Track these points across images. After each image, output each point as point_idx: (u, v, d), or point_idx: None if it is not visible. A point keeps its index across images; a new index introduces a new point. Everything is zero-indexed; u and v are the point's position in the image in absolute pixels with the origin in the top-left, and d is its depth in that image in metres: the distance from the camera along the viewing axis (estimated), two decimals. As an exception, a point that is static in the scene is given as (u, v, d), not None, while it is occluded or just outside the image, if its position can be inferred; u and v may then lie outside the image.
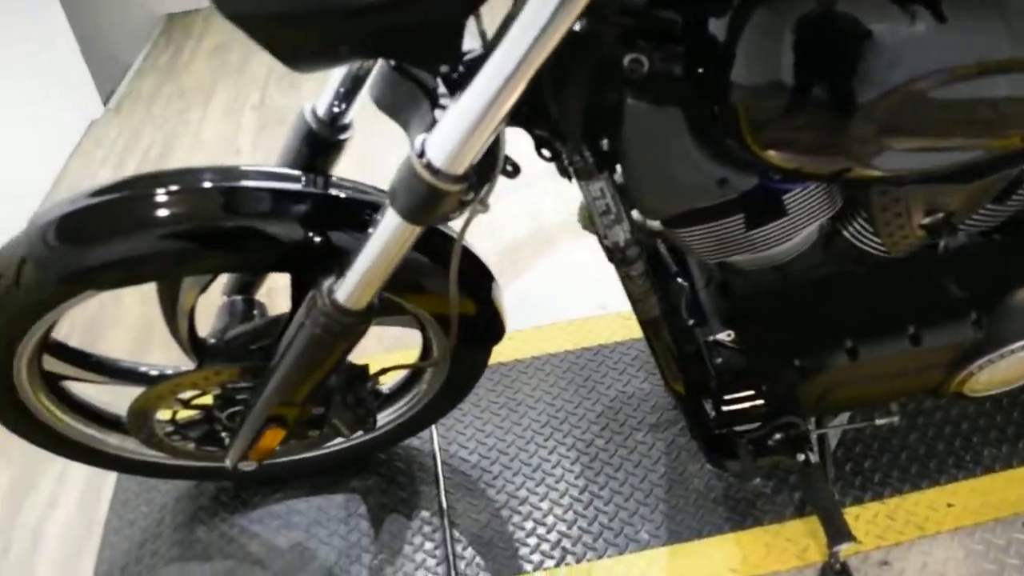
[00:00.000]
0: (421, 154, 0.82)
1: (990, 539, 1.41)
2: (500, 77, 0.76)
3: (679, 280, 1.30)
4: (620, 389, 1.65)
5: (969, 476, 1.50)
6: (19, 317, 1.12)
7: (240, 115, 3.07)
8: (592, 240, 1.10)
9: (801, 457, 1.25)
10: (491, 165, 0.88)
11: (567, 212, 2.15)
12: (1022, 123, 0.90)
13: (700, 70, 0.84)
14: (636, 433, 1.57)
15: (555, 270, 2.02)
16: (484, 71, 0.78)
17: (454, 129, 0.80)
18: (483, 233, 2.19)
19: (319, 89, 1.18)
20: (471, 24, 0.87)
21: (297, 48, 0.82)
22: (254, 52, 0.78)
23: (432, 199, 0.84)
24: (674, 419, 1.58)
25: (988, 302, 1.19)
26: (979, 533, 1.42)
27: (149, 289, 1.16)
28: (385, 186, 0.91)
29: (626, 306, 1.17)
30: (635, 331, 1.34)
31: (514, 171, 0.95)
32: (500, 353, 1.71)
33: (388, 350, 1.73)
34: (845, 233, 1.14)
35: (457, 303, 1.00)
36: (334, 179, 1.15)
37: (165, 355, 1.71)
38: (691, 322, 1.24)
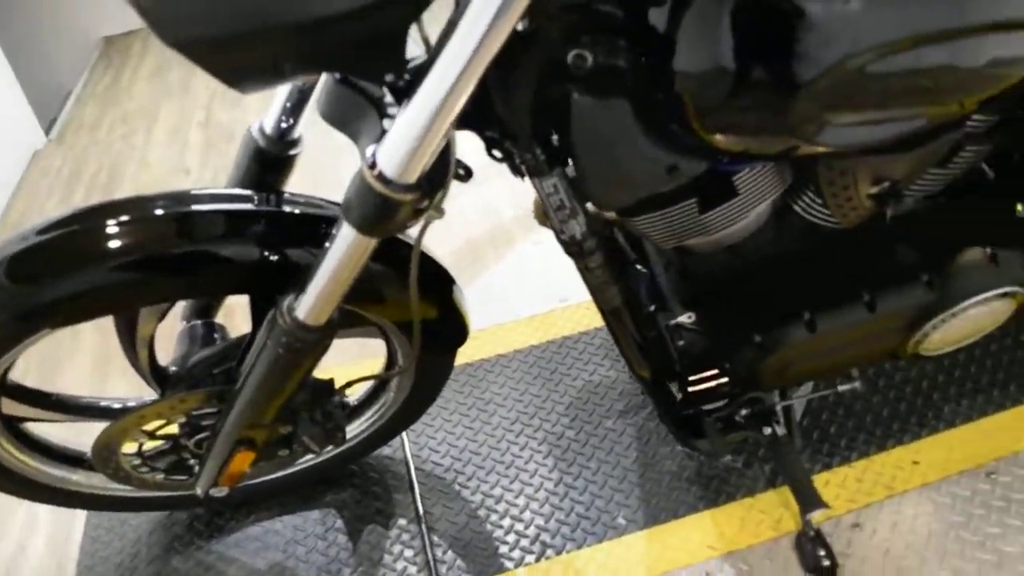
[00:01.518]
0: (372, 165, 0.82)
1: (956, 492, 1.45)
2: (446, 83, 0.76)
3: (638, 267, 1.31)
4: (587, 379, 1.66)
5: (932, 433, 1.54)
6: (-27, 362, 1.09)
7: (186, 134, 3.02)
8: (549, 234, 1.10)
9: (768, 430, 1.27)
10: (443, 171, 0.88)
11: (523, 208, 2.16)
12: (960, 90, 0.93)
13: (644, 61, 0.85)
14: (606, 421, 1.58)
15: (515, 266, 2.03)
16: (429, 78, 0.77)
17: (403, 138, 0.80)
18: (441, 233, 2.20)
19: (265, 103, 1.17)
20: (414, 31, 0.87)
21: (239, 69, 0.81)
22: (196, 70, 0.77)
23: (386, 210, 0.83)
24: (642, 404, 1.59)
25: (938, 263, 1.22)
26: (945, 487, 1.46)
27: (106, 319, 1.13)
28: (339, 198, 0.90)
29: (587, 297, 1.18)
30: (597, 320, 1.36)
31: (466, 175, 0.95)
32: (465, 354, 1.71)
33: (353, 360, 1.72)
34: (796, 208, 1.16)
35: (418, 310, 1.00)
36: (287, 196, 1.14)
37: (126, 385, 1.68)
38: (652, 308, 1.25)
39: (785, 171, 1.06)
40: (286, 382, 1.07)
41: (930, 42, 0.86)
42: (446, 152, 0.87)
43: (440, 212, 0.90)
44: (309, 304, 0.97)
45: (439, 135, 0.80)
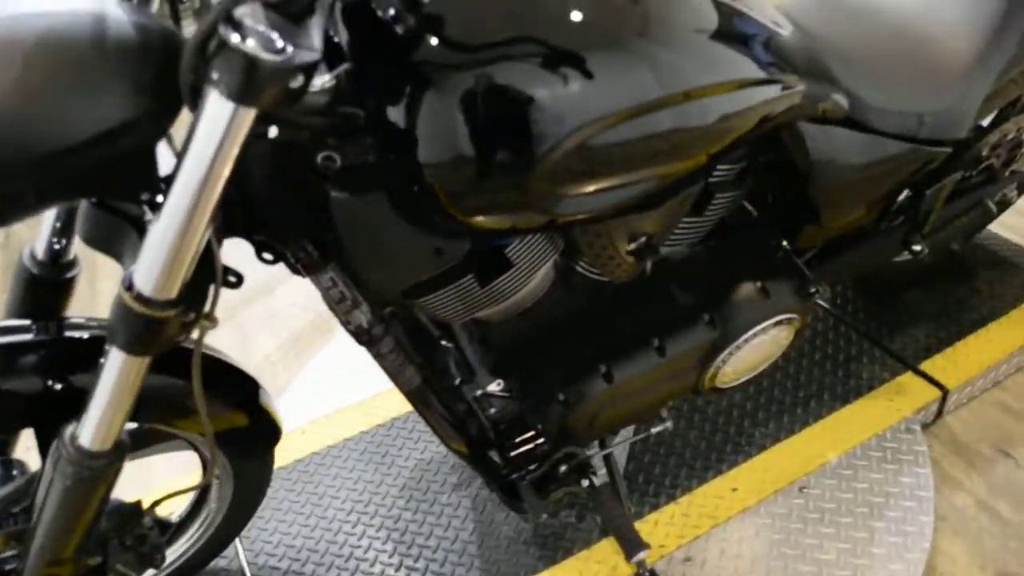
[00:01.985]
0: (129, 287, 0.82)
1: (774, 511, 1.54)
2: (188, 195, 0.76)
3: (443, 343, 1.34)
4: (419, 457, 1.67)
5: (747, 458, 1.63)
6: None
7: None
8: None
9: (585, 483, 1.32)
10: (209, 280, 0.88)
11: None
12: (694, 148, 1.02)
13: (391, 157, 0.89)
14: (440, 497, 1.59)
15: (339, 353, 2.02)
16: (172, 192, 0.77)
17: (157, 254, 0.80)
18: (261, 328, 2.18)
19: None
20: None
21: None
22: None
23: (150, 329, 0.83)
24: (474, 474, 1.61)
25: (716, 302, 1.31)
26: (763, 508, 1.55)
27: None
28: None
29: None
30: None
31: (237, 281, 0.95)
32: (297, 448, 1.69)
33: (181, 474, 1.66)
34: (578, 268, 1.23)
35: (213, 420, 0.99)
36: (67, 320, 1.11)
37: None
38: (458, 381, 1.29)
39: (555, 236, 1.13)
40: (82, 512, 1.03)
41: (654, 109, 0.94)
42: (209, 261, 0.87)
43: (213, 321, 0.90)
44: (91, 430, 0.94)
45: (192, 248, 0.80)
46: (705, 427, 1.69)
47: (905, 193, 1.50)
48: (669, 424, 1.46)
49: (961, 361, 1.83)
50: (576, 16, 0.89)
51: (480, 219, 0.93)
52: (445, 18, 0.85)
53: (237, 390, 1.22)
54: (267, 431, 1.26)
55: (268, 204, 0.93)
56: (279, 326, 2.14)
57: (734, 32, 1.05)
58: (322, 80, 0.83)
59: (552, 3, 0.88)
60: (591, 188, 0.94)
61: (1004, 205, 1.93)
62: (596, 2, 0.90)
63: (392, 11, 0.86)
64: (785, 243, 1.41)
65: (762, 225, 1.41)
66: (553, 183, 0.90)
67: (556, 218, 0.94)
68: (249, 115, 0.71)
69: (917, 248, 1.54)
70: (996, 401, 1.85)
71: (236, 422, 1.22)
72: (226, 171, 0.75)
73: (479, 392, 1.28)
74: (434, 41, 0.85)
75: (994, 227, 2.21)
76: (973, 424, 1.80)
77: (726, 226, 1.36)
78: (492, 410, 1.30)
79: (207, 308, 0.89)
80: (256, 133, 0.75)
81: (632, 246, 1.09)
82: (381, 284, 1.02)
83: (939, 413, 1.79)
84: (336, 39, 0.88)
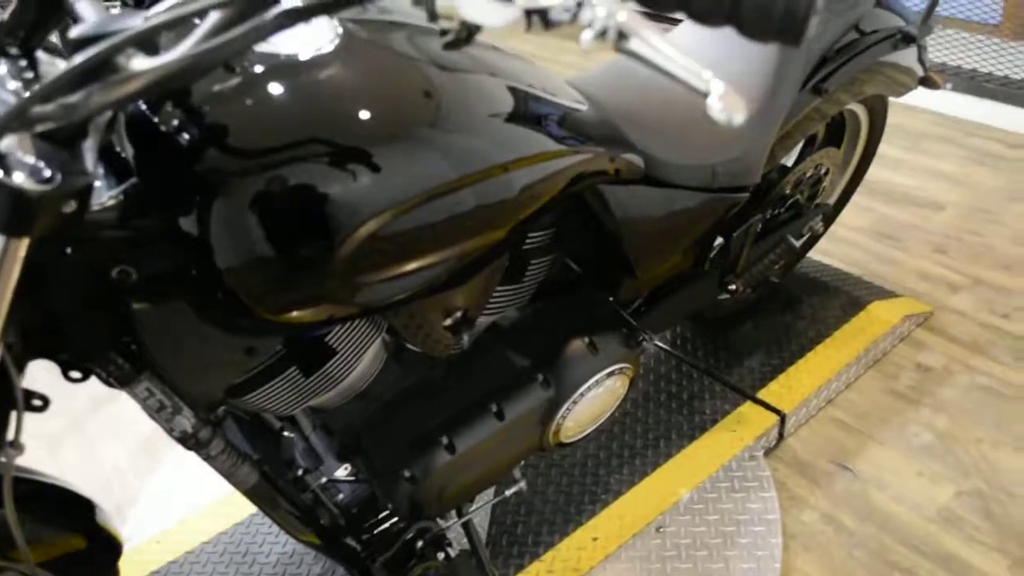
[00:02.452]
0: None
1: (633, 554, 1.58)
2: None
3: (286, 434, 1.34)
4: (280, 551, 1.64)
5: (605, 506, 1.68)
6: None
7: None
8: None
9: (441, 555, 1.33)
10: (10, 407, 0.86)
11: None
12: (499, 221, 1.06)
13: (189, 265, 0.90)
14: (305, 589, 1.57)
15: (191, 455, 1.96)
16: None
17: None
18: (109, 436, 2.09)
19: None
20: None
21: None
22: None
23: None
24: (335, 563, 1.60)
25: (548, 361, 1.35)
26: (624, 553, 1.59)
27: None
28: None
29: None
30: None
31: (43, 404, 0.93)
32: (150, 561, 1.63)
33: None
34: (409, 345, 1.25)
35: (28, 550, 0.95)
36: None
37: None
38: (302, 471, 1.28)
39: (376, 318, 1.15)
40: None
41: (450, 191, 0.99)
42: (8, 385, 0.85)
43: (19, 448, 0.88)
44: None
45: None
46: (563, 481, 1.73)
47: (718, 239, 1.60)
48: (523, 484, 1.49)
49: (794, 385, 1.94)
50: (361, 115, 0.92)
51: (288, 316, 0.94)
52: (228, 127, 0.87)
53: (71, 513, 1.18)
54: (107, 550, 1.22)
55: (69, 322, 0.91)
56: (127, 432, 2.06)
57: (529, 113, 1.11)
58: (109, 196, 0.84)
59: (336, 104, 0.92)
60: (393, 273, 0.97)
61: (814, 238, 2.08)
62: (381, 100, 0.94)
63: (175, 123, 0.87)
64: (611, 297, 1.48)
65: (586, 282, 1.48)
66: (352, 274, 0.92)
67: (362, 307, 0.97)
68: (21, 245, 0.71)
69: (733, 287, 1.64)
70: (831, 418, 1.97)
71: (73, 546, 1.17)
72: (5, 301, 0.75)
73: (324, 479, 1.27)
74: (218, 150, 0.86)
75: (814, 254, 2.38)
76: (812, 443, 1.91)
77: (553, 285, 1.42)
78: (341, 496, 1.30)
79: (11, 436, 0.87)
80: (47, 254, 0.75)
81: (448, 321, 1.12)
82: (197, 389, 1.02)
83: (780, 436, 1.89)
84: (123, 154, 0.89)
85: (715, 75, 0.61)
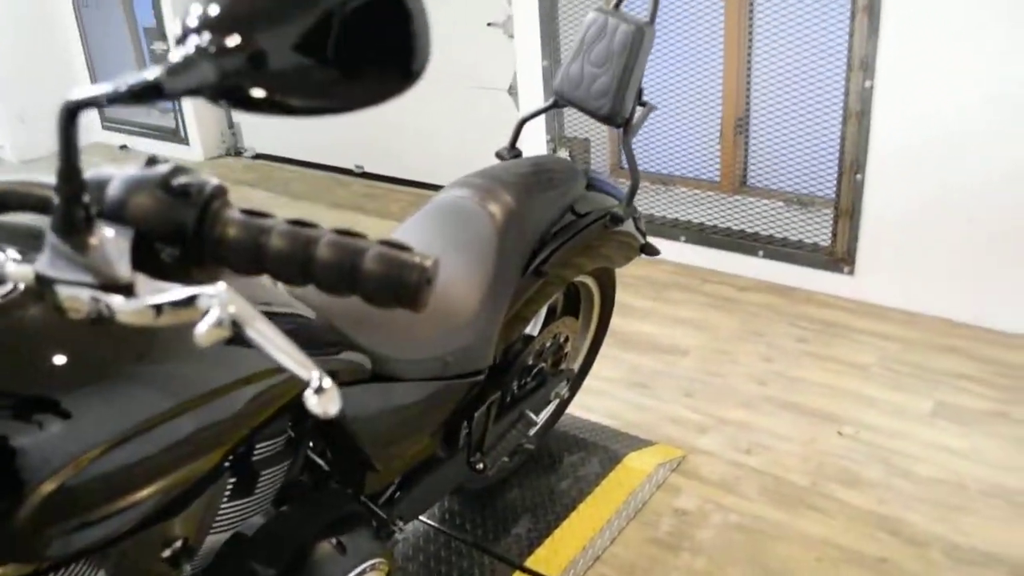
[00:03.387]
0: None
1: None
2: None
3: None
4: None
5: None
6: None
7: None
8: None
9: None
10: None
11: None
12: (199, 452, 1.03)
13: None
14: None
15: None
16: None
17: None
18: None
19: None
20: None
21: None
22: None
23: None
24: None
25: (294, 569, 1.31)
26: None
27: None
28: None
29: None
30: None
31: None
32: None
33: None
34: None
35: None
36: None
37: None
38: None
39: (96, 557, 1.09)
40: None
41: (147, 429, 0.97)
42: None
43: None
44: None
45: None
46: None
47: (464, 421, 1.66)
48: None
49: (560, 548, 2.00)
50: (45, 361, 0.91)
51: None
52: None
53: None
54: None
55: None
56: None
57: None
58: None
59: (14, 354, 0.90)
60: (97, 516, 0.93)
61: (563, 403, 2.20)
62: (64, 344, 0.93)
63: None
64: (360, 490, 1.49)
65: (334, 478, 1.48)
66: (42, 523, 0.88)
67: (60, 556, 0.92)
68: None
69: (480, 466, 1.70)
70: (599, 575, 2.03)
71: None
72: None
73: None
74: None
75: (574, 409, 2.50)
76: (583, 604, 1.95)
77: (300, 486, 1.41)
78: None
79: None
80: None
81: (167, 553, 1.08)
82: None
83: (552, 603, 1.92)
84: None
85: (319, 369, 0.66)
